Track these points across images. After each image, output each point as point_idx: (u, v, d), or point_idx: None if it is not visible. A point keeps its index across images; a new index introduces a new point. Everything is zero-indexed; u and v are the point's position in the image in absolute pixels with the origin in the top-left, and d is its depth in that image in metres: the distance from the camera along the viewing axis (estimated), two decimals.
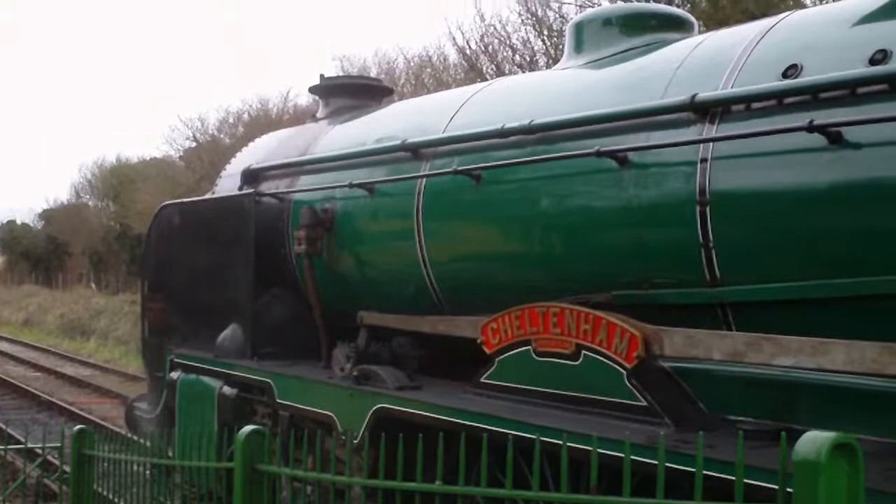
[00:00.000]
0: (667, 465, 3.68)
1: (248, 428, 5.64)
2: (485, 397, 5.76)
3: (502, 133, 6.13)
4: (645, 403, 4.90)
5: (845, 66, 4.44)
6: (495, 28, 24.29)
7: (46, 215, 71.05)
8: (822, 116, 4.37)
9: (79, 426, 8.84)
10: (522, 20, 23.36)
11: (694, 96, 4.98)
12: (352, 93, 9.53)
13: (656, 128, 5.22)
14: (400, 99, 15.89)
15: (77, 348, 33.61)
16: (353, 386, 6.57)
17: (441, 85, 26.46)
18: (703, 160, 4.88)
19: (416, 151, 6.91)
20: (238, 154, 10.13)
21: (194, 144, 43.46)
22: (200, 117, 52.98)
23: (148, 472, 7.53)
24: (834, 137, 4.31)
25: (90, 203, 64.18)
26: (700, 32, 6.63)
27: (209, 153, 38.40)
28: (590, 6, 19.14)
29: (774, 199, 4.60)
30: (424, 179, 6.73)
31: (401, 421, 5.95)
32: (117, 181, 56.66)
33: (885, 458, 3.87)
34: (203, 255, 9.06)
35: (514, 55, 23.76)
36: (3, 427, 13.74)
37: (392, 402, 6.16)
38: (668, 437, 4.13)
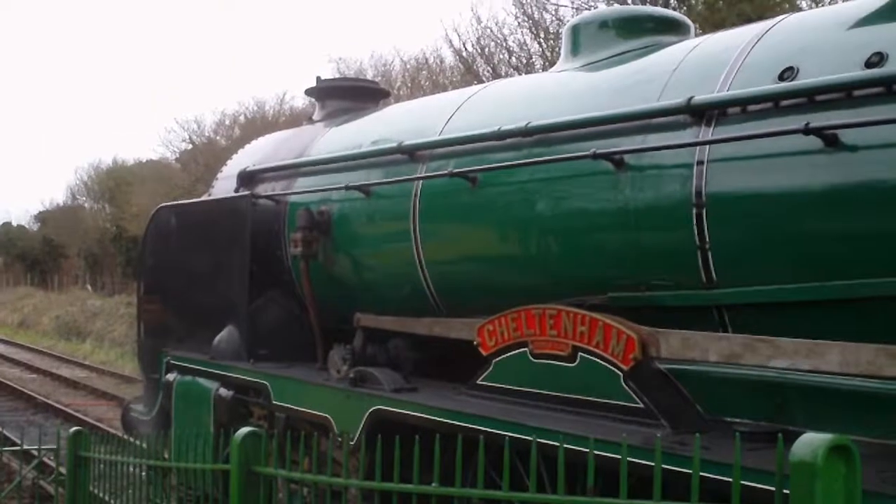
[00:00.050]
0: (663, 466, 3.68)
1: (244, 430, 5.63)
2: (481, 399, 5.75)
3: (499, 135, 6.13)
4: (641, 405, 4.90)
5: (842, 68, 4.45)
6: (492, 30, 24.38)
7: (42, 217, 71.07)
8: (818, 119, 4.37)
9: (75, 428, 8.82)
10: (519, 23, 23.45)
11: (690, 99, 4.99)
12: (348, 95, 9.53)
13: (653, 130, 5.23)
14: (396, 101, 15.89)
15: (73, 350, 33.59)
16: (349, 388, 6.56)
17: (437, 87, 26.51)
18: (700, 162, 4.89)
19: (412, 154, 6.91)
20: (234, 156, 10.12)
21: (190, 146, 43.53)
22: (196, 119, 53.15)
23: (144, 473, 7.52)
24: (830, 140, 4.32)
25: (86, 205, 64.26)
26: (696, 35, 6.63)
27: (205, 155, 38.46)
28: (586, 9, 19.16)
29: (771, 202, 4.61)
30: (421, 182, 6.74)
31: (397, 423, 5.95)
32: (113, 183, 56.74)
33: (882, 460, 3.87)
34: (199, 257, 9.05)
35: (510, 57, 23.82)
36: None
37: (388, 404, 6.15)
38: (664, 439, 4.13)
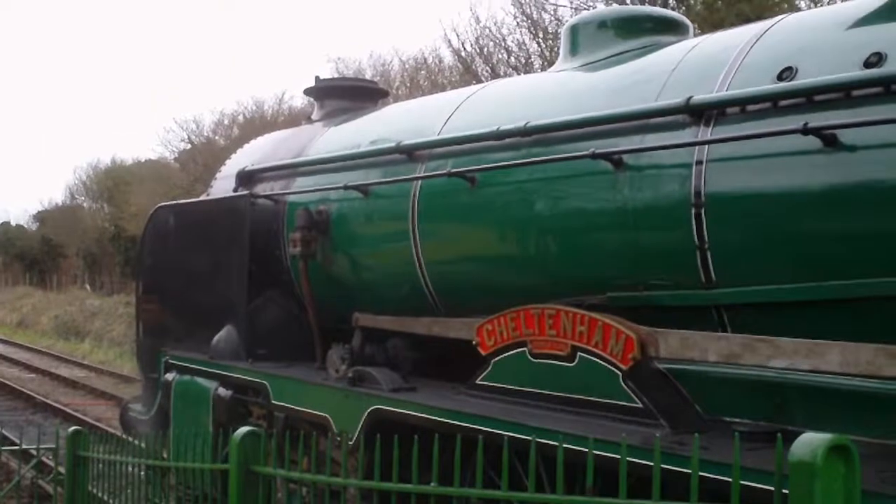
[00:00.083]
0: (662, 466, 3.68)
1: (243, 429, 5.63)
2: (480, 399, 5.76)
3: (498, 135, 6.13)
4: (640, 405, 4.90)
5: (840, 68, 4.45)
6: (490, 30, 24.39)
7: (41, 217, 71.07)
8: (817, 119, 4.38)
9: (73, 427, 8.83)
10: (518, 22, 23.46)
11: (689, 99, 4.99)
12: (347, 95, 9.53)
13: (651, 130, 5.23)
14: (395, 101, 15.89)
15: (71, 349, 33.57)
16: (348, 387, 6.56)
17: (436, 87, 26.51)
18: (699, 162, 4.89)
19: (411, 153, 6.91)
20: (233, 156, 10.11)
21: (189, 146, 43.53)
22: (195, 119, 53.16)
23: (143, 473, 7.52)
24: (829, 140, 4.32)
25: (85, 204, 64.27)
26: (695, 35, 6.63)
27: (204, 155, 38.46)
28: (585, 9, 19.16)
29: (769, 202, 4.61)
30: (420, 181, 6.74)
31: (396, 422, 5.95)
32: (112, 183, 56.74)
33: (881, 460, 3.87)
34: (198, 256, 9.05)
35: (509, 57, 23.83)
36: None
37: (387, 404, 6.15)
38: (663, 439, 4.13)
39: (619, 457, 3.78)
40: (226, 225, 8.61)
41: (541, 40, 22.59)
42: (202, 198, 10.27)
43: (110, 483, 7.83)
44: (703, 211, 4.84)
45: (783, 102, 4.62)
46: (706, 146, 4.88)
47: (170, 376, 8.81)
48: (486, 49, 24.44)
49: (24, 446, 9.69)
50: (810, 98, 4.51)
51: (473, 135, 6.37)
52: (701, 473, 3.56)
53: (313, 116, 9.69)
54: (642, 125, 5.29)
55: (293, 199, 8.20)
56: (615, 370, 5.03)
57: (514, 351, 5.62)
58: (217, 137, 42.12)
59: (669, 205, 5.03)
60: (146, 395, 9.81)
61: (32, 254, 68.45)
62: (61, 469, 8.63)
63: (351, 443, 6.20)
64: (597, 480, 3.94)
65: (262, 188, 8.76)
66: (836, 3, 8.38)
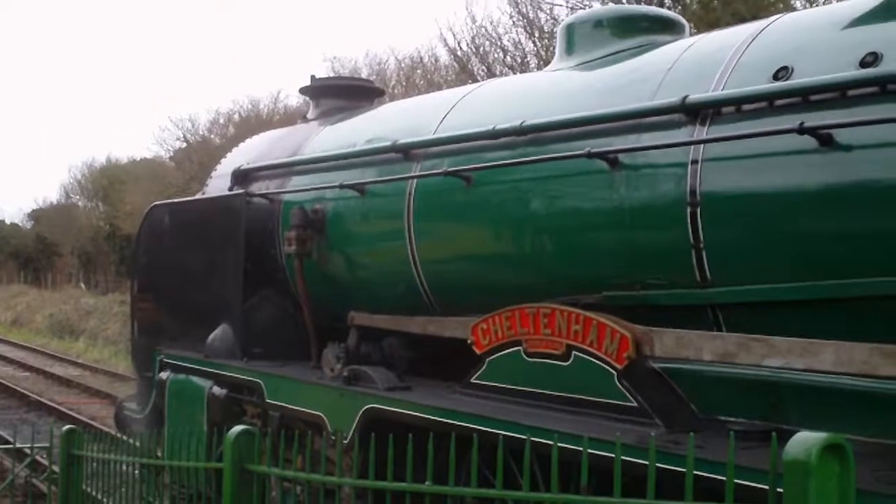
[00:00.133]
0: (657, 465, 3.68)
1: (237, 428, 5.64)
2: (475, 398, 5.76)
3: (493, 134, 6.13)
4: (635, 404, 4.90)
5: (836, 68, 4.45)
6: (486, 29, 24.35)
7: (36, 215, 70.95)
8: (812, 118, 4.38)
9: (67, 426, 8.82)
10: (514, 22, 23.43)
11: (685, 98, 4.99)
12: (343, 94, 9.52)
13: (647, 129, 5.23)
14: (391, 100, 15.89)
15: (66, 348, 33.54)
16: (343, 386, 6.56)
17: (432, 86, 26.48)
18: (694, 162, 4.89)
19: (406, 152, 6.91)
20: (228, 155, 10.11)
21: (184, 145, 43.49)
22: (191, 118, 53.09)
23: (137, 472, 7.51)
24: (824, 139, 4.32)
25: (80, 203, 64.15)
26: (691, 34, 6.64)
27: (199, 154, 38.43)
28: (581, 8, 19.16)
29: (765, 201, 4.61)
30: (415, 180, 6.73)
31: (391, 421, 5.95)
32: (107, 181, 56.64)
33: (875, 459, 3.88)
34: (193, 255, 9.04)
35: (505, 56, 23.81)
36: None
37: (382, 403, 6.15)
38: (658, 438, 4.14)
39: (613, 456, 3.79)
40: (221, 224, 8.61)
41: (537, 39, 22.59)
42: (197, 196, 10.26)
43: (104, 482, 7.82)
44: (698, 210, 4.84)
45: (779, 102, 4.62)
46: (702, 145, 4.88)
47: (164, 375, 8.81)
48: (482, 48, 24.43)
49: (18, 445, 9.68)
50: (806, 98, 4.51)
51: (469, 134, 6.37)
52: (696, 472, 3.57)
53: (309, 115, 9.68)
54: (638, 124, 5.29)
55: (289, 197, 8.19)
56: (610, 369, 5.03)
57: (509, 350, 5.62)
58: (212, 136, 42.09)
59: (665, 204, 5.03)
60: (141, 394, 9.80)
61: (27, 252, 68.36)
62: (55, 468, 8.61)
63: (346, 442, 6.20)
64: (591, 479, 3.95)
65: (258, 187, 8.76)
66: (831, 2, 8.39)
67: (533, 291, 5.68)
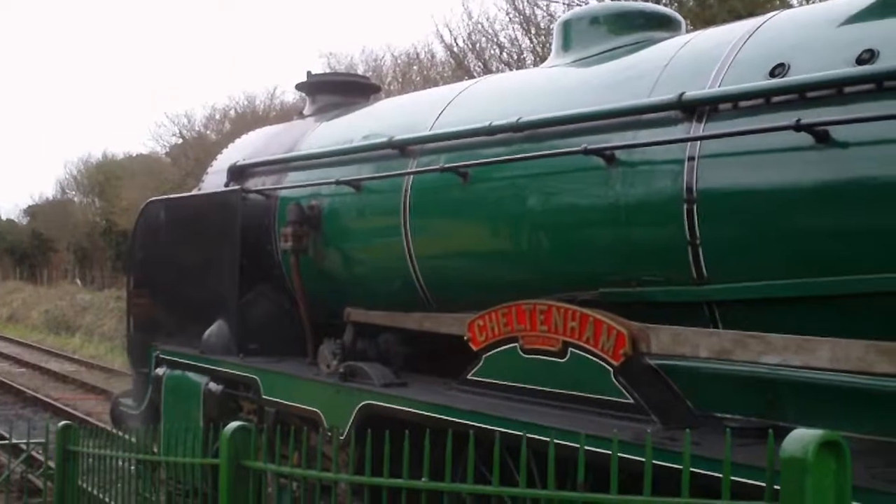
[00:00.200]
0: (654, 462, 3.68)
1: (233, 424, 5.63)
2: (471, 394, 5.75)
3: (490, 130, 6.13)
4: (632, 401, 4.90)
5: (832, 65, 4.45)
6: (483, 26, 24.33)
7: (31, 211, 70.85)
8: (809, 115, 4.38)
9: (63, 422, 8.81)
10: (510, 18, 23.41)
11: (681, 95, 4.99)
12: (339, 90, 9.53)
13: (644, 126, 5.23)
14: (387, 96, 15.88)
15: (62, 344, 33.51)
16: (339, 382, 6.56)
17: (428, 82, 26.50)
18: (691, 158, 4.89)
19: (403, 148, 6.90)
20: (224, 150, 10.10)
21: (180, 141, 43.43)
22: (187, 114, 53.11)
23: (133, 468, 7.51)
24: (821, 136, 4.33)
25: (76, 199, 64.05)
26: (687, 31, 6.63)
27: (195, 150, 38.39)
28: (577, 4, 19.16)
29: (761, 198, 4.61)
30: (411, 177, 6.73)
31: (387, 417, 5.95)
32: (103, 177, 56.55)
33: (871, 456, 3.88)
34: (189, 251, 9.03)
35: (501, 53, 23.79)
36: None
37: (378, 399, 6.15)
38: (655, 435, 4.14)
39: (610, 452, 3.79)
40: (217, 220, 8.60)
41: (533, 36, 22.57)
42: (193, 192, 10.25)
43: (100, 477, 7.81)
44: (695, 207, 4.84)
45: (775, 99, 4.62)
46: (698, 142, 4.88)
47: (160, 371, 8.80)
48: (478, 44, 24.41)
49: (13, 441, 9.67)
50: (803, 94, 4.51)
51: (465, 130, 6.36)
52: (692, 469, 3.57)
53: (305, 111, 9.68)
54: (634, 121, 5.29)
55: (285, 193, 8.19)
56: (606, 366, 5.03)
57: (506, 346, 5.62)
58: (208, 132, 42.04)
59: (661, 201, 5.03)
60: (137, 390, 9.79)
61: (23, 248, 68.26)
62: (51, 464, 8.60)
63: (342, 438, 6.19)
64: (588, 476, 3.94)
65: (254, 183, 8.75)
66: None
67: (529, 288, 5.68)
